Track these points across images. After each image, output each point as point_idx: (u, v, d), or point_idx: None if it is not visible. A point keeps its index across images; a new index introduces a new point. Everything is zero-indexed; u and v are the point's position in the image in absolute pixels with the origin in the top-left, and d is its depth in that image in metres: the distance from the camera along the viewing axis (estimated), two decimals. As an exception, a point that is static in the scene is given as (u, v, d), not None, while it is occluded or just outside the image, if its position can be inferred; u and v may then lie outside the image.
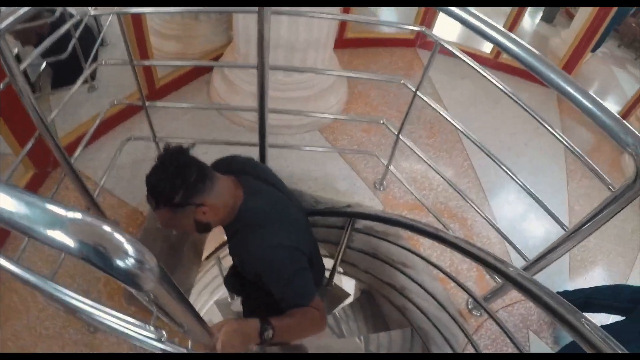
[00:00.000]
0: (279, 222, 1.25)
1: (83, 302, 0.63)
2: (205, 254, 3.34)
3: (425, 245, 2.01)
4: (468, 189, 2.31)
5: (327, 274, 2.56)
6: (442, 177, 1.77)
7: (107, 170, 1.78)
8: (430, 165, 1.79)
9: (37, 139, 1.31)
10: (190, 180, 1.11)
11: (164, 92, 2.39)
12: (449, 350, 1.76)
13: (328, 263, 2.64)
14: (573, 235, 1.18)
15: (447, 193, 2.24)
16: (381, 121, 1.88)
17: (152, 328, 0.68)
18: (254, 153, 1.81)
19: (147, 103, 1.70)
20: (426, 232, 1.42)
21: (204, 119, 2.31)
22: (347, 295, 2.47)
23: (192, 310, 0.69)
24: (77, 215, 0.39)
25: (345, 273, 2.38)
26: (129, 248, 0.40)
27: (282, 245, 1.19)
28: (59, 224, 0.38)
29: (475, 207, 1.71)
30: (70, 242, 0.38)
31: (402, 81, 1.63)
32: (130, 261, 0.39)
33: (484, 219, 1.68)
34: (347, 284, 2.68)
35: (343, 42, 3.04)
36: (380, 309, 2.43)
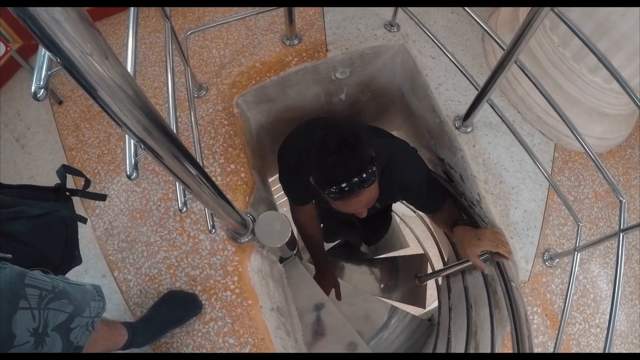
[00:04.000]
0: None
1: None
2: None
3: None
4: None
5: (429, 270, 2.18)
6: (611, 324, 1.14)
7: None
8: (614, 298, 1.15)
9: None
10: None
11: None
12: None
13: (438, 264, 2.22)
14: None
15: (596, 340, 1.54)
16: (621, 199, 1.22)
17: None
18: (470, 94, 1.50)
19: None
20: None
21: (464, 31, 1.94)
22: (421, 306, 2.10)
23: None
24: None
25: (438, 291, 1.98)
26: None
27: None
28: None
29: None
30: None
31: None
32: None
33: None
34: (432, 300, 2.26)
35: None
36: (424, 347, 2.03)
